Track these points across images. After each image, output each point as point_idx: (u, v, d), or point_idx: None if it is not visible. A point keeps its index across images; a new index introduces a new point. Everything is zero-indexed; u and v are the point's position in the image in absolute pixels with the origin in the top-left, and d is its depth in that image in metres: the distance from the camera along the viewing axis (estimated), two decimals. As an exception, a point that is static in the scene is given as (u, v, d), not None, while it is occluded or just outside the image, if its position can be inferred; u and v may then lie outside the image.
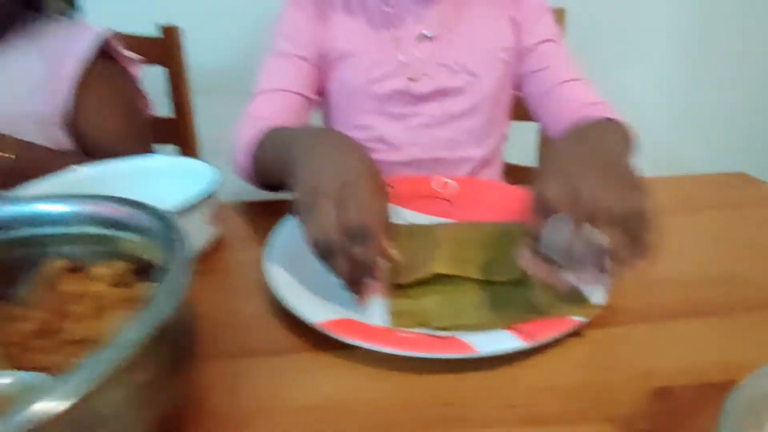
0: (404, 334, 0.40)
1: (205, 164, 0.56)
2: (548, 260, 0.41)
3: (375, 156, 0.62)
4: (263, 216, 0.63)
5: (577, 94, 0.77)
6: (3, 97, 0.63)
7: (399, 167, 0.81)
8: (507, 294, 0.46)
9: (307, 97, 0.79)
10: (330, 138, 0.52)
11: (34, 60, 0.74)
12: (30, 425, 0.22)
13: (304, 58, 0.78)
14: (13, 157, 0.63)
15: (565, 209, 0.40)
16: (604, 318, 0.45)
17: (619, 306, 0.47)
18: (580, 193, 0.40)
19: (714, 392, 0.37)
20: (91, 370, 0.24)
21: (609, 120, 0.65)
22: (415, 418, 0.36)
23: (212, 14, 1.32)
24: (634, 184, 0.42)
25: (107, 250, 0.41)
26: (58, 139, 0.75)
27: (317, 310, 0.42)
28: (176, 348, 0.32)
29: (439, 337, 0.40)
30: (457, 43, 0.79)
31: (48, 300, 0.40)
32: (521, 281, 0.45)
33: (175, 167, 0.58)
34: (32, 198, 0.42)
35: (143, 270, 0.40)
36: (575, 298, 0.43)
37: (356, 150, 0.49)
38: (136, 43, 0.96)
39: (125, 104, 0.80)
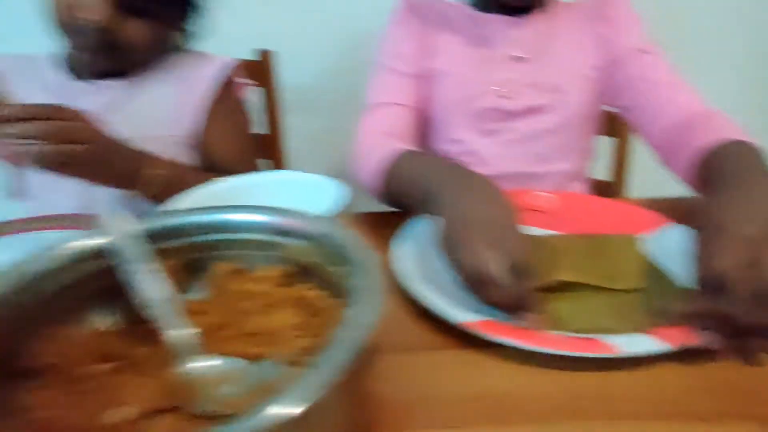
0: (546, 335, 0.44)
1: (331, 180, 0.62)
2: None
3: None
4: (373, 227, 0.68)
5: (683, 103, 0.74)
6: (143, 122, 0.71)
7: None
8: (631, 301, 0.49)
9: (417, 111, 0.84)
10: (473, 175, 0.56)
11: (168, 88, 0.83)
12: (265, 429, 0.25)
13: (410, 75, 0.84)
14: (165, 173, 0.71)
15: (742, 289, 0.39)
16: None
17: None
18: (762, 268, 0.39)
19: None
20: (317, 379, 0.27)
21: (747, 146, 0.59)
22: (566, 410, 0.40)
23: (299, 38, 1.40)
24: None
25: (270, 254, 0.47)
26: (186, 158, 0.83)
27: (457, 312, 0.47)
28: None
29: (579, 338, 0.43)
30: (548, 63, 0.82)
31: (220, 298, 0.46)
32: (642, 290, 0.48)
33: (302, 182, 0.63)
34: (205, 209, 0.48)
35: (303, 272, 0.46)
36: None
37: (497, 188, 0.53)
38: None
39: (241, 126, 0.89)
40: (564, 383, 0.42)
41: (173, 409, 0.35)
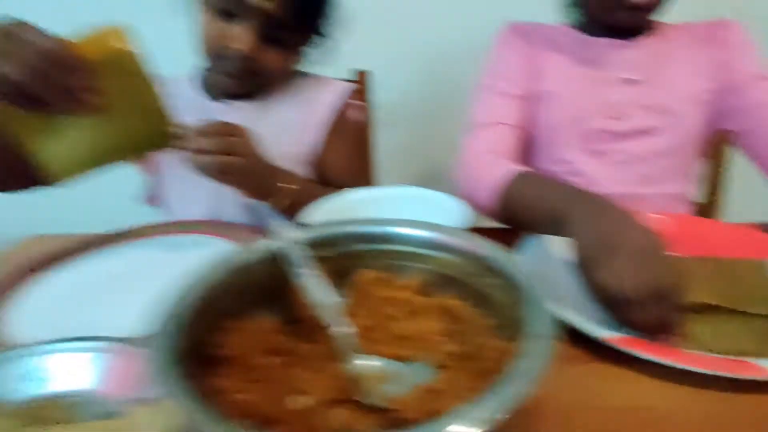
0: (689, 353, 0.45)
1: (453, 198, 0.65)
2: None
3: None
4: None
5: None
6: (270, 139, 0.78)
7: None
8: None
9: (522, 131, 0.86)
10: (602, 198, 0.57)
11: (293, 110, 0.90)
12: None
13: (517, 96, 0.86)
14: (296, 187, 0.77)
15: None
16: None
17: None
18: None
19: None
20: (498, 402, 0.30)
21: None
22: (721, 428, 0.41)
23: (392, 59, 1.46)
24: None
25: (411, 264, 0.51)
26: (304, 173, 0.89)
27: (602, 329, 0.49)
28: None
29: (729, 360, 0.44)
30: (661, 85, 0.82)
31: (365, 303, 0.50)
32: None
33: (425, 197, 0.67)
34: (359, 221, 0.52)
35: (442, 282, 0.49)
36: None
37: (629, 210, 0.54)
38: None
39: (356, 143, 0.95)
40: (713, 402, 0.43)
41: (347, 401, 0.39)
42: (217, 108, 0.88)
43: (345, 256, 0.51)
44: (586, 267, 0.51)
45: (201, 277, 0.43)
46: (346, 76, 1.19)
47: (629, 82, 0.83)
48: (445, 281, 0.49)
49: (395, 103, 1.47)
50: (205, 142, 0.65)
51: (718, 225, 0.69)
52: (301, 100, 0.91)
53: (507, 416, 0.29)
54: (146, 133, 0.64)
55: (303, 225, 0.50)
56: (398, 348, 0.46)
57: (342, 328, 0.43)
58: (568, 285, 0.54)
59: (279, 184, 0.76)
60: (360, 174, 0.95)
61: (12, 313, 0.58)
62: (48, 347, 0.43)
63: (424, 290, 0.50)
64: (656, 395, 0.45)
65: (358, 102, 0.96)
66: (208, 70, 0.87)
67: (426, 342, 0.46)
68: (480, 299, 0.46)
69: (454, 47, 1.43)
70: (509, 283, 0.42)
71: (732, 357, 0.44)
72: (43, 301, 0.61)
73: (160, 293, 0.39)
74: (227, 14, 0.76)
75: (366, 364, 0.42)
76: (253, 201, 0.79)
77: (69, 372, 0.42)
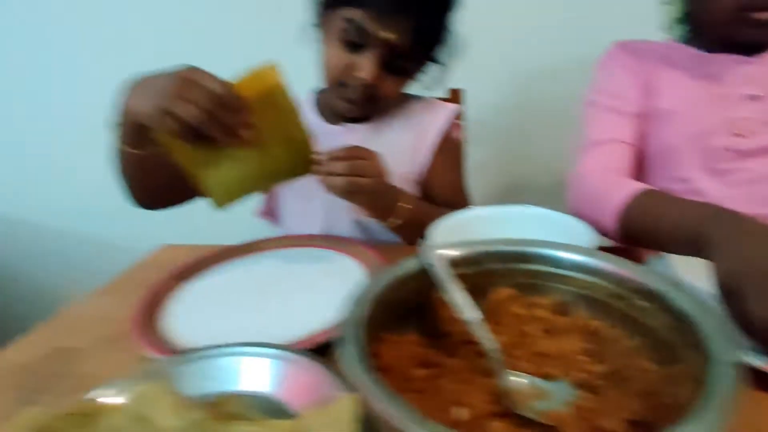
0: None
1: (575, 220, 0.66)
2: None
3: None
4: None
5: None
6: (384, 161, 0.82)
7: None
8: None
9: (635, 148, 0.86)
10: (745, 217, 0.55)
11: (405, 133, 0.95)
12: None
13: (630, 113, 0.86)
14: (412, 207, 0.81)
15: None
16: None
17: None
18: None
19: None
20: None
21: None
22: None
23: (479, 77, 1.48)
24: None
25: (547, 284, 0.52)
26: (413, 192, 0.93)
27: (747, 355, 0.48)
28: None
29: None
30: (787, 101, 0.79)
31: (503, 320, 0.52)
32: None
33: (546, 218, 0.68)
34: (504, 241, 0.54)
35: (583, 303, 0.50)
36: None
37: None
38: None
39: (457, 161, 0.98)
40: None
41: (504, 415, 0.41)
42: (334, 130, 0.93)
43: (482, 274, 0.53)
44: (730, 294, 0.49)
45: (366, 290, 0.46)
46: (440, 95, 1.22)
47: (754, 98, 0.80)
48: (585, 302, 0.50)
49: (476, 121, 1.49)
50: (339, 166, 0.70)
51: None
52: (413, 123, 0.95)
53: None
54: (293, 162, 0.69)
55: (448, 244, 0.52)
56: (539, 365, 0.47)
57: (489, 343, 0.45)
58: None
59: (398, 204, 0.79)
60: (462, 191, 0.97)
61: (170, 318, 0.64)
62: (226, 350, 0.48)
63: (562, 310, 0.51)
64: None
65: (460, 122, 0.98)
66: (324, 94, 0.92)
67: (568, 360, 0.47)
68: (624, 321, 0.47)
69: (538, 65, 1.43)
70: (663, 306, 0.42)
71: None
72: (194, 307, 0.67)
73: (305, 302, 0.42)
74: (353, 45, 0.81)
75: (516, 380, 0.44)
76: (365, 218, 0.83)
77: (248, 374, 0.46)
